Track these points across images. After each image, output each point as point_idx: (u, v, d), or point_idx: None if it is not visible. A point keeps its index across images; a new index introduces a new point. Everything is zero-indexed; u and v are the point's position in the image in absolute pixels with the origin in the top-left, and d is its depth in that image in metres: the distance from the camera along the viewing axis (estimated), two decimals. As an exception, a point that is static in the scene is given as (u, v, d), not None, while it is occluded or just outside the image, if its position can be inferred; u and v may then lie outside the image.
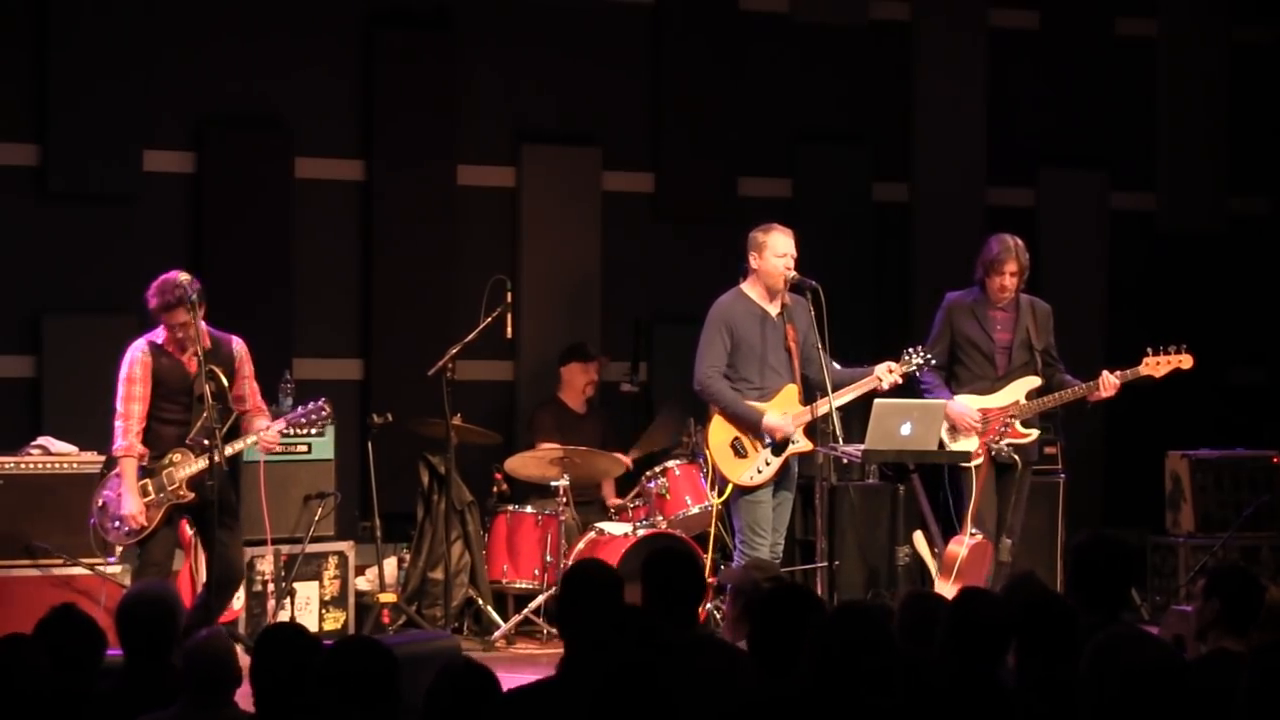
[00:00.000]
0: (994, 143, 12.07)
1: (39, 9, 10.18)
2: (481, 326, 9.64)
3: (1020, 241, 9.29)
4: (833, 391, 8.69)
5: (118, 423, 8.23)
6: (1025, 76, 12.14)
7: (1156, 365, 9.23)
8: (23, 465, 9.06)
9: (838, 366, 8.92)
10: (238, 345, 8.45)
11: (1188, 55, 12.49)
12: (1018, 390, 9.22)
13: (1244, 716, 4.36)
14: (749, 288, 8.91)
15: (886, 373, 8.90)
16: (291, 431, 9.52)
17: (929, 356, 9.09)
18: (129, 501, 8.17)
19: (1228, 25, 12.56)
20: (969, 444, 9.12)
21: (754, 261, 8.88)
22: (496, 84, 11.13)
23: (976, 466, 9.41)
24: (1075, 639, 4.98)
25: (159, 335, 8.28)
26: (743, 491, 8.75)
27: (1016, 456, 9.32)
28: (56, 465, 9.08)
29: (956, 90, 12.00)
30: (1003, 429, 9.15)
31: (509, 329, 9.71)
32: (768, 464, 8.74)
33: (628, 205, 11.42)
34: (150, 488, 8.22)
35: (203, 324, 8.25)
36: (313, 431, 9.56)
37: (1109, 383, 9.10)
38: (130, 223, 10.17)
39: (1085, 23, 12.30)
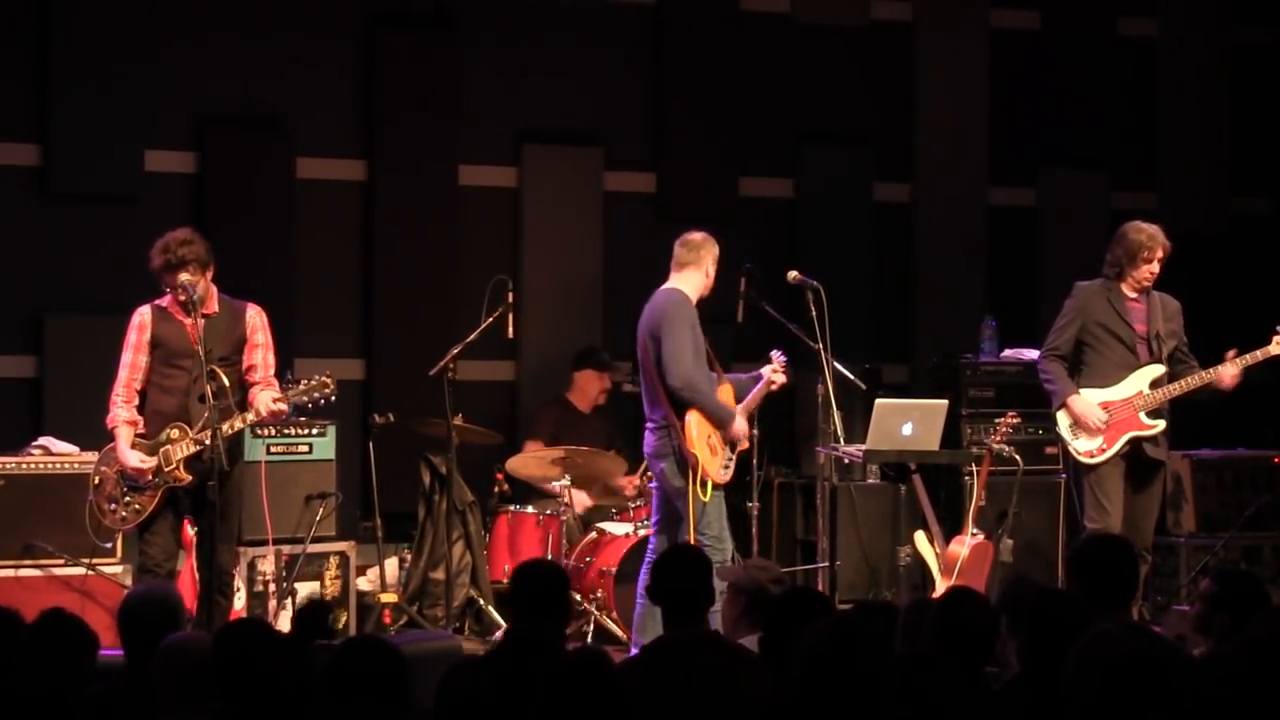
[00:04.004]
0: (995, 143, 12.07)
1: (40, 8, 10.18)
2: (483, 327, 9.62)
3: (1159, 227, 9.08)
4: (739, 402, 8.68)
5: (113, 393, 8.05)
6: (1026, 77, 12.14)
7: None
8: (23, 465, 9.06)
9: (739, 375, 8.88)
10: (252, 313, 8.19)
11: (1188, 55, 12.50)
12: (1141, 380, 8.95)
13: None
14: (691, 291, 8.64)
15: (773, 374, 8.75)
16: (292, 431, 9.53)
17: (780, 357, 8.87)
18: (129, 458, 7.94)
19: (1228, 25, 12.57)
20: (1093, 442, 8.92)
21: (710, 271, 8.65)
22: (498, 84, 11.14)
23: (978, 469, 9.41)
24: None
25: (165, 299, 8.08)
26: (714, 489, 8.68)
27: (1018, 456, 9.30)
28: (57, 465, 9.07)
29: (958, 90, 12.01)
30: (1008, 432, 9.12)
31: (510, 329, 9.69)
32: (730, 459, 8.70)
33: (629, 205, 11.42)
34: None
35: (214, 289, 8.07)
36: (315, 414, 9.30)
37: (1229, 373, 8.89)
38: (131, 223, 10.14)
39: (1086, 23, 12.31)
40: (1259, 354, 8.99)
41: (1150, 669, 4.26)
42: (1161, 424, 8.94)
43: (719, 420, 8.58)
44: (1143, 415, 8.92)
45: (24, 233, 10.20)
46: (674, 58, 11.49)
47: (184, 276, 7.94)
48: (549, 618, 5.41)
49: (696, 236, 8.72)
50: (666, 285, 8.68)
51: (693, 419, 8.55)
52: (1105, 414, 8.86)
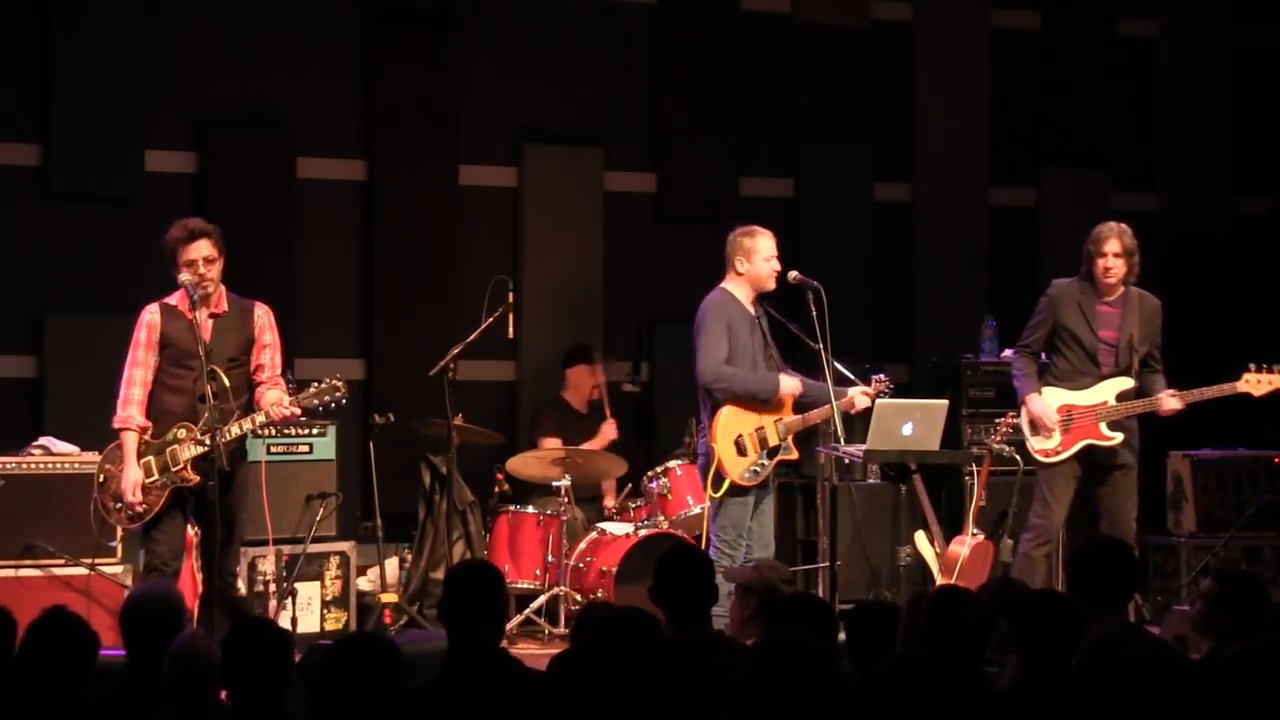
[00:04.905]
0: (995, 143, 12.08)
1: (41, 9, 10.19)
2: (483, 326, 9.63)
3: (1126, 225, 9.03)
4: (808, 411, 8.73)
5: (120, 390, 7.88)
6: (1026, 77, 12.15)
7: (1258, 384, 8.99)
8: (24, 465, 9.05)
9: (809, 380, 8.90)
10: (260, 312, 8.07)
11: (1188, 55, 12.50)
12: (1108, 390, 8.96)
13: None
14: (735, 289, 8.72)
15: (862, 396, 8.76)
16: (293, 431, 9.52)
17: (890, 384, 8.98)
18: (129, 473, 7.80)
19: (1228, 25, 12.57)
20: (1050, 441, 8.95)
21: (740, 265, 8.69)
22: (498, 84, 11.14)
23: (979, 469, 9.41)
24: (1078, 638, 4.98)
25: (173, 297, 7.94)
26: (733, 491, 8.69)
27: (1018, 456, 9.30)
28: (58, 465, 9.06)
29: (958, 90, 12.01)
30: (1010, 431, 9.11)
31: (510, 329, 9.70)
32: (763, 465, 8.70)
33: (629, 205, 11.43)
34: (154, 466, 7.83)
35: (223, 288, 7.93)
36: (324, 411, 9.12)
37: (1169, 406, 8.90)
38: (132, 223, 10.16)
39: (1086, 23, 12.31)
40: (1225, 388, 9.00)
41: (1156, 672, 4.26)
42: (1119, 436, 8.96)
43: (760, 394, 8.60)
44: (1103, 426, 8.96)
45: (24, 233, 10.20)
46: (674, 58, 11.49)
47: (197, 249, 7.80)
48: (484, 621, 5.33)
49: (733, 232, 8.80)
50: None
51: (723, 415, 8.61)
52: (1059, 417, 8.90)
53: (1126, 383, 8.98)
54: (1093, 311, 8.97)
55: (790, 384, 8.71)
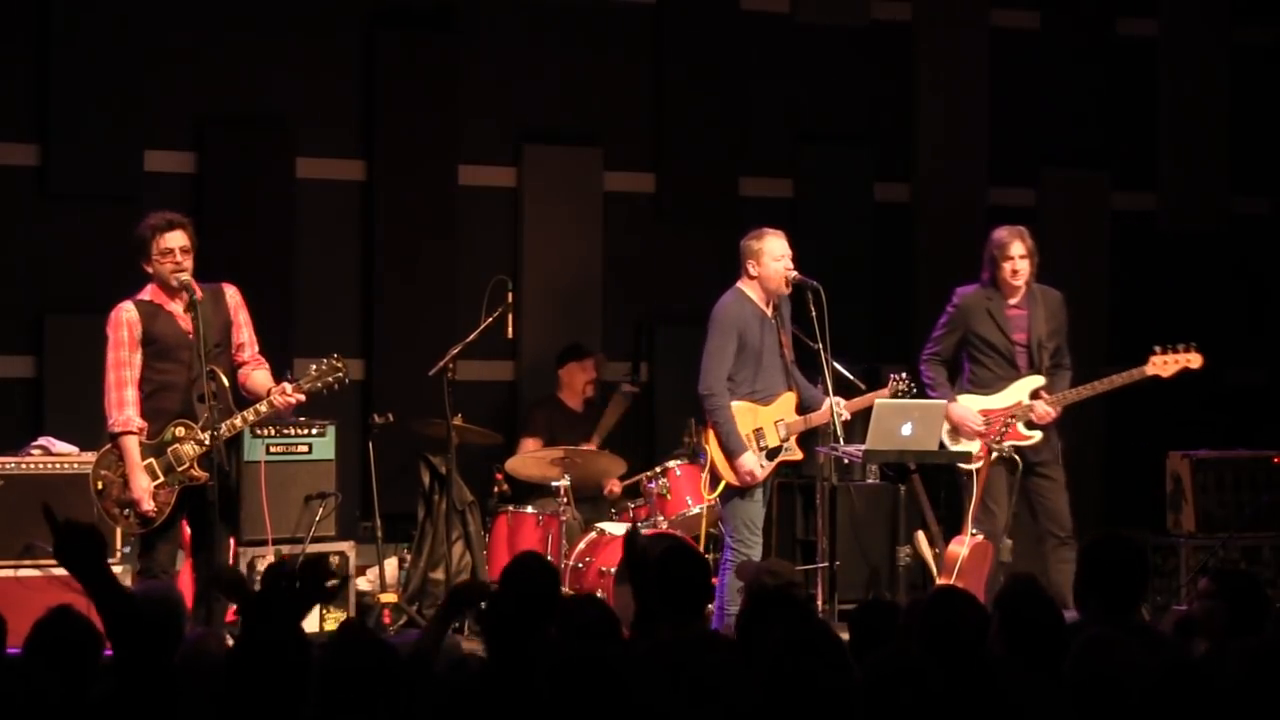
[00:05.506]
0: (995, 143, 12.08)
1: (40, 9, 10.19)
2: (482, 326, 9.63)
3: (1023, 227, 9.18)
4: (803, 412, 8.75)
5: (110, 394, 7.72)
6: (1026, 76, 12.15)
7: (1164, 365, 9.14)
8: (24, 465, 9.04)
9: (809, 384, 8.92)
10: (230, 291, 7.92)
11: (1188, 55, 12.50)
12: (1021, 390, 9.10)
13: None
14: (749, 288, 8.78)
15: (839, 407, 8.76)
16: (292, 431, 9.52)
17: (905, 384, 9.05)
18: (139, 480, 7.65)
19: (1228, 25, 12.57)
20: (972, 446, 9.04)
21: (753, 269, 8.72)
22: (498, 84, 11.14)
23: (978, 469, 9.42)
24: (1065, 638, 4.99)
25: (145, 292, 7.82)
26: (736, 490, 8.71)
27: (1018, 457, 9.31)
28: (58, 465, 9.05)
29: (958, 90, 12.01)
30: (1003, 429, 9.12)
31: (510, 329, 9.70)
32: (761, 467, 8.71)
33: (629, 205, 11.43)
34: (157, 468, 7.71)
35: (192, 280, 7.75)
36: (318, 411, 9.06)
37: (1040, 410, 9.03)
38: (131, 223, 10.10)
39: (1086, 23, 12.31)
40: (1135, 373, 9.13)
41: (1154, 672, 4.26)
42: (1038, 435, 9.07)
43: (725, 448, 8.61)
44: (1020, 426, 9.05)
45: (25, 233, 10.20)
46: (674, 58, 11.49)
47: (174, 238, 7.73)
48: (537, 616, 5.36)
49: (744, 238, 8.82)
50: None
51: None
52: (983, 420, 8.97)
53: (1038, 381, 9.12)
54: (1003, 316, 9.13)
55: (748, 462, 8.60)
